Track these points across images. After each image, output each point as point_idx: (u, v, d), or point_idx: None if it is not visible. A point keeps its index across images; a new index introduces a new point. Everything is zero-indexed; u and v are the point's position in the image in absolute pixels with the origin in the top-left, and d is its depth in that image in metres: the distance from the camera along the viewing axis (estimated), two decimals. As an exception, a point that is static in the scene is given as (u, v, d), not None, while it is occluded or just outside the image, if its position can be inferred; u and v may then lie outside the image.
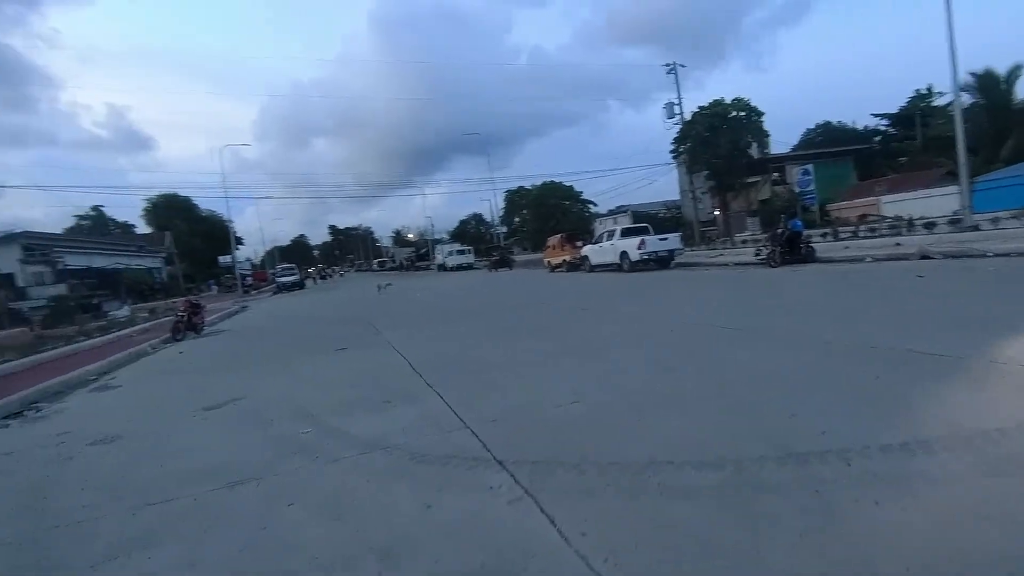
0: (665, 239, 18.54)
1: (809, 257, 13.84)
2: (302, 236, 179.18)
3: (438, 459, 3.30)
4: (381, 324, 11.60)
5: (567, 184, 66.23)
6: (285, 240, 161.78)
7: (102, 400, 6.93)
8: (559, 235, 26.38)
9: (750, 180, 31.81)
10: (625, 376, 4.84)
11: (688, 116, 32.03)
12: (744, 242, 23.01)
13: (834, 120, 49.06)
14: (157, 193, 74.58)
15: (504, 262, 36.20)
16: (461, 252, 45.89)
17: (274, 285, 41.69)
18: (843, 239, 19.92)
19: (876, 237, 18.80)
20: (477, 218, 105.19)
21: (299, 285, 42.29)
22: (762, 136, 30.73)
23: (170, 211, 74.54)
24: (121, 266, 42.00)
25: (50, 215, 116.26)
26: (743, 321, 6.87)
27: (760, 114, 30.28)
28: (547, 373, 5.26)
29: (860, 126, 46.11)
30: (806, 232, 15.22)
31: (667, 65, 32.88)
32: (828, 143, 39.42)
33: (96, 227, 66.72)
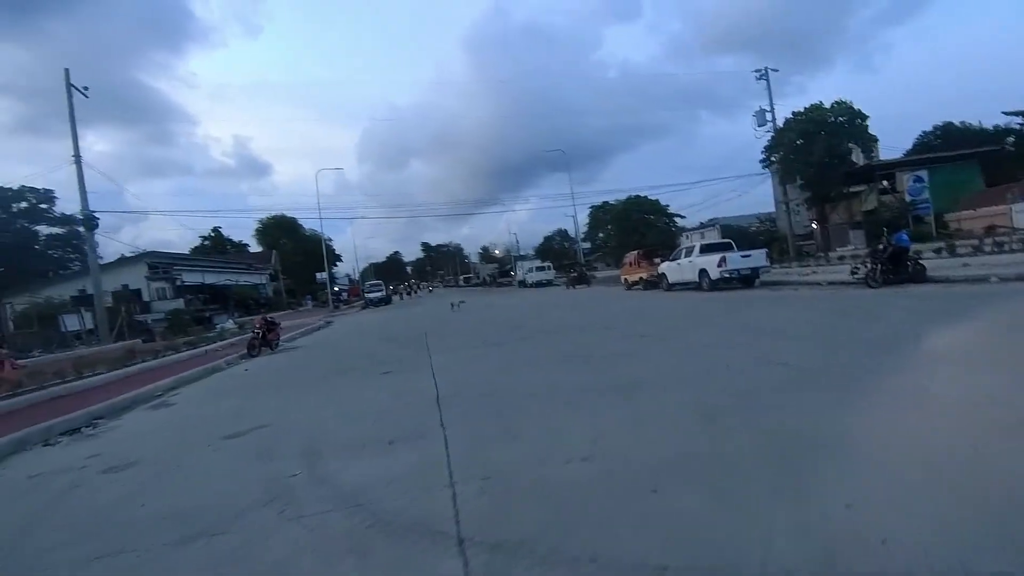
0: (748, 256, 17.02)
1: (917, 276, 11.97)
2: (396, 253, 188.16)
3: (399, 529, 2.81)
4: (436, 344, 11.43)
5: (653, 198, 64.20)
6: (381, 257, 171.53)
7: (152, 419, 7.16)
8: (636, 251, 25.25)
9: (852, 190, 28.78)
10: (657, 427, 4.10)
11: (781, 123, 29.78)
12: (841, 258, 20.66)
13: (956, 120, 43.75)
14: (267, 215, 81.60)
15: (582, 279, 35.41)
16: (541, 269, 45.72)
17: (363, 300, 43.62)
18: (962, 255, 17.29)
19: (1004, 252, 16.12)
20: (562, 234, 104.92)
21: (386, 301, 43.97)
22: (867, 141, 27.71)
23: (278, 231, 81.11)
24: (231, 282, 45.83)
25: (183, 237, 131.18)
26: (822, 359, 5.81)
27: (864, 117, 27.33)
28: (573, 415, 4.64)
29: (989, 126, 40.75)
30: (914, 247, 13.27)
31: (758, 71, 30.89)
32: (948, 147, 34.92)
33: (215, 247, 73.67)
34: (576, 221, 56.76)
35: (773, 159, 30.39)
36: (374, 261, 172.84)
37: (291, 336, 18.22)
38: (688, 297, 16.66)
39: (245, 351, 14.03)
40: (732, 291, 16.82)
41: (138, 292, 36.34)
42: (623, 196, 65.00)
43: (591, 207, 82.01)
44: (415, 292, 64.63)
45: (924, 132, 44.04)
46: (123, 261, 38.99)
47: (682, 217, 64.71)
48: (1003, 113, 39.56)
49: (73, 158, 21.77)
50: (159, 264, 39.46)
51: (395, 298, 56.06)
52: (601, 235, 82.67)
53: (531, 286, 43.02)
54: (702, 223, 60.41)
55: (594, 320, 12.72)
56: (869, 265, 12.75)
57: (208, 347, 16.45)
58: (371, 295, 43.18)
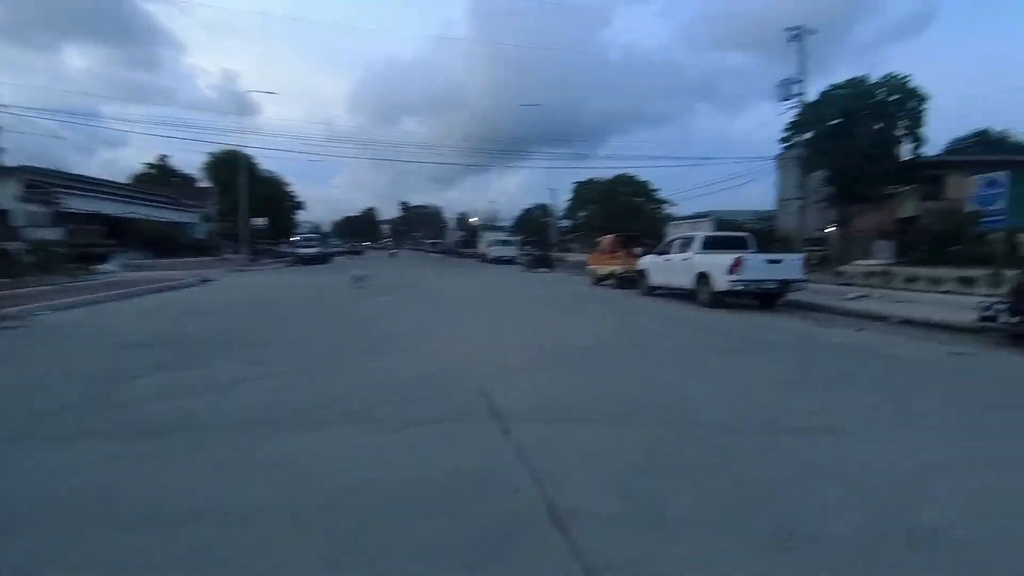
0: (778, 262, 11.09)
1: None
2: (371, 209, 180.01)
3: None
4: (227, 347, 5.54)
5: (642, 180, 58.14)
6: (357, 211, 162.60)
7: None
8: (613, 235, 19.10)
9: (892, 190, 22.94)
10: None
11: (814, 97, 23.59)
12: (870, 275, 14.63)
13: (995, 128, 38.23)
14: (221, 149, 73.31)
15: (544, 261, 29.40)
16: (505, 243, 39.43)
17: (292, 257, 36.84)
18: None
19: None
20: (542, 208, 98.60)
21: (321, 260, 37.40)
22: (920, 131, 21.70)
23: (229, 168, 72.81)
24: (138, 216, 38.31)
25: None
26: None
27: (922, 99, 21.31)
28: None
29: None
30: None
31: (791, 30, 24.54)
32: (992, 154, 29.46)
33: (160, 177, 65.04)
34: (553, 195, 50.19)
35: (795, 142, 24.29)
36: (351, 215, 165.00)
37: (94, 297, 11.89)
38: (672, 314, 10.75)
39: None
40: (744, 312, 10.95)
41: (4, 214, 29.29)
42: (617, 172, 59.09)
43: (575, 182, 75.88)
44: (359, 253, 56.99)
45: (957, 139, 38.43)
46: (-1, 172, 31.62)
47: (673, 204, 58.88)
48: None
49: None
50: (39, 183, 32.19)
51: (343, 259, 49.37)
52: (583, 214, 76.68)
53: (491, 261, 36.86)
54: (692, 215, 54.57)
55: (484, 340, 6.78)
56: (1015, 306, 6.91)
57: None
58: (304, 250, 36.51)
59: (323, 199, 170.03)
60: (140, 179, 61.63)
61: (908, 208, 23.35)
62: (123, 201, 37.77)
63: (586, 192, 74.43)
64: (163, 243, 37.77)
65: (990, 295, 9.52)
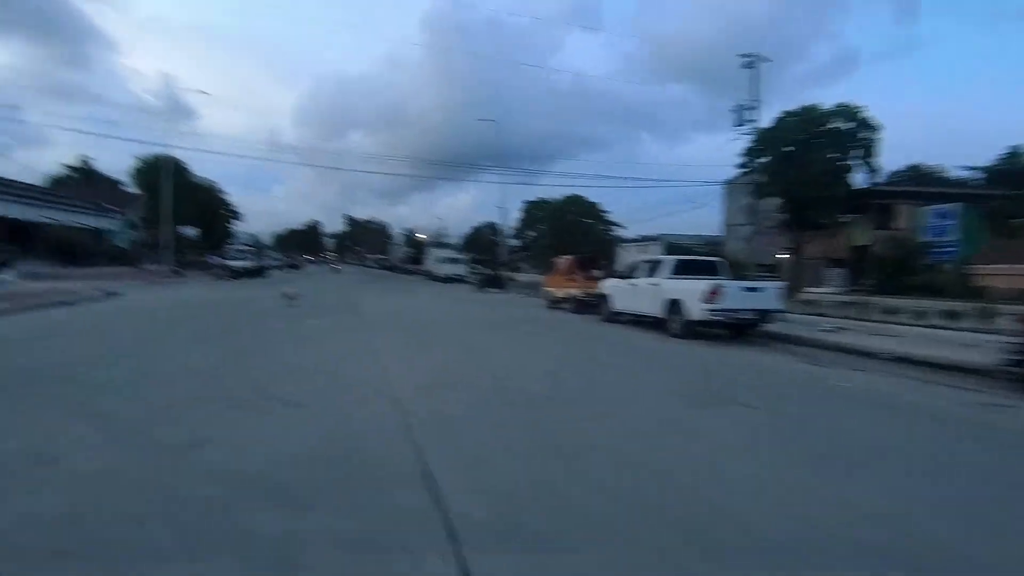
0: (755, 291, 10.08)
1: None
2: (316, 222, 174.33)
3: None
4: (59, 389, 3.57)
5: (592, 201, 58.08)
6: (299, 224, 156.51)
7: None
8: (569, 257, 17.92)
9: (844, 219, 23.02)
10: None
11: (767, 124, 23.53)
12: (892, 311, 13.83)
13: (924, 163, 40.19)
14: (147, 154, 68.38)
15: (495, 281, 28.03)
16: (454, 261, 37.75)
17: (222, 269, 33.66)
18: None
19: None
20: (491, 227, 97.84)
21: (254, 273, 34.65)
22: (873, 161, 21.92)
23: (157, 173, 67.95)
24: (52, 221, 34.30)
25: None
26: None
27: (874, 129, 21.55)
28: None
29: (955, 174, 37.35)
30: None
31: (745, 56, 24.55)
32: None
33: (81, 180, 59.49)
34: (501, 213, 49.22)
35: (751, 167, 24.12)
36: (294, 228, 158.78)
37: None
38: (645, 347, 9.52)
39: None
40: (718, 344, 9.86)
41: None
42: (567, 192, 59.02)
43: (525, 202, 75.49)
44: (296, 267, 53.31)
45: (893, 172, 40.11)
46: None
47: (623, 228, 59.15)
48: (965, 167, 36.16)
49: None
50: (-80, 179, 28.36)
51: (281, 273, 46.36)
52: (533, 234, 76.27)
53: (440, 279, 35.13)
54: (645, 236, 54.84)
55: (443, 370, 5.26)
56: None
57: None
58: (234, 263, 33.66)
59: (266, 211, 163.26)
60: (59, 182, 56.42)
61: (860, 237, 23.51)
62: (32, 204, 33.71)
63: (537, 211, 74.05)
64: (75, 251, 34.02)
65: (985, 330, 8.85)
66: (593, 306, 14.42)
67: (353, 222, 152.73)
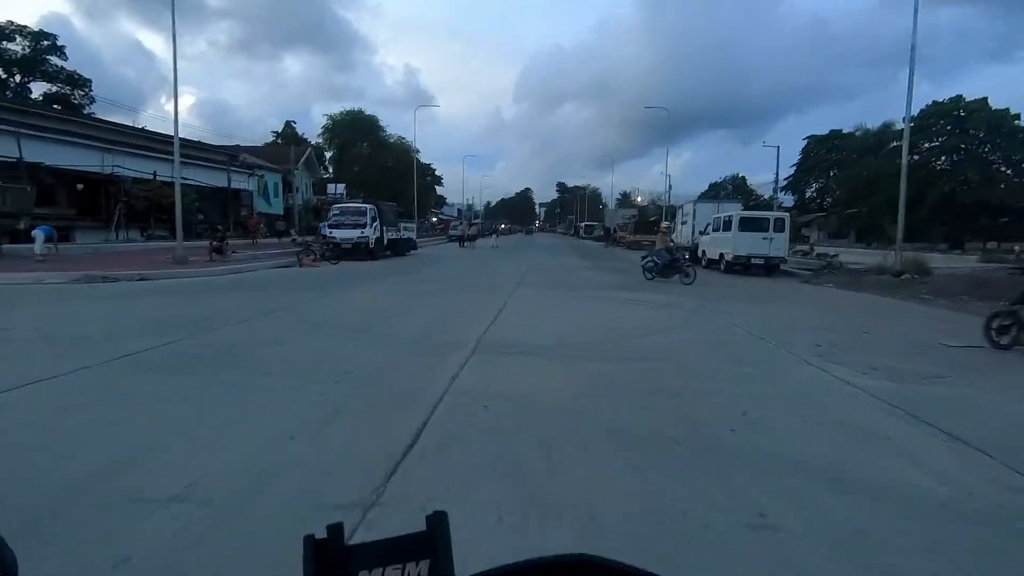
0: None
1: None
2: (527, 190, 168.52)
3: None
4: None
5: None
6: (511, 193, 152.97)
7: None
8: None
9: None
10: None
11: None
12: None
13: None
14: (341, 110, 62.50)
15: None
16: (758, 224, 16.61)
17: (321, 242, 19.48)
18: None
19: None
20: (738, 181, 74.70)
21: (363, 246, 19.79)
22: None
23: (350, 130, 61.25)
24: (123, 172, 24.09)
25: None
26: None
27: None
28: None
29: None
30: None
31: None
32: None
33: (287, 143, 54.92)
34: (667, 178, 28.02)
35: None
36: (506, 197, 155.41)
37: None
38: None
39: None
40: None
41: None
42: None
43: (806, 138, 52.49)
44: (472, 239, 35.35)
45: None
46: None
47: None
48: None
49: None
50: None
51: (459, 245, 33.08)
52: (815, 184, 52.74)
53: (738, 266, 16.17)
54: None
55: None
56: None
57: None
58: (335, 233, 19.65)
59: (487, 184, 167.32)
60: (269, 146, 52.29)
61: None
62: (101, 149, 23.98)
63: (824, 152, 50.54)
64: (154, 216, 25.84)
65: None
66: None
67: (564, 188, 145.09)
